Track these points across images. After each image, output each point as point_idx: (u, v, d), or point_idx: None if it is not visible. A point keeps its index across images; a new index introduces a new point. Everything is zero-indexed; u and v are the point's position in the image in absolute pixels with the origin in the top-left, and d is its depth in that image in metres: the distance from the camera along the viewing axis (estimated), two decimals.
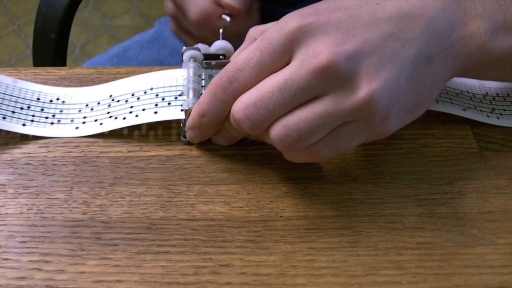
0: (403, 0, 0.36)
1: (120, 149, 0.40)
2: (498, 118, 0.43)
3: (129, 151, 0.40)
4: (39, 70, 0.45)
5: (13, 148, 0.40)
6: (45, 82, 0.44)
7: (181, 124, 0.41)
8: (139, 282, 0.33)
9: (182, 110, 0.40)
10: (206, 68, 0.42)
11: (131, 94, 0.41)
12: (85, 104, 0.42)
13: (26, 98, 0.41)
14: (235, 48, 0.42)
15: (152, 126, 0.41)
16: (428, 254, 0.35)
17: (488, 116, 0.43)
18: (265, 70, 0.35)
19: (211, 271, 0.34)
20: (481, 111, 0.43)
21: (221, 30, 0.51)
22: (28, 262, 0.34)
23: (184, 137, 0.40)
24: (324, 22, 0.34)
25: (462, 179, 0.39)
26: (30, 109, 0.41)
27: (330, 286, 0.34)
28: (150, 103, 0.41)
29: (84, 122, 0.41)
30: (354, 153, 0.40)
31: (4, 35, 1.68)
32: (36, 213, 0.36)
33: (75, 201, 0.37)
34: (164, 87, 0.42)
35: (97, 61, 0.77)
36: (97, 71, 0.45)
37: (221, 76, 0.36)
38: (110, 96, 0.42)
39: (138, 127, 0.41)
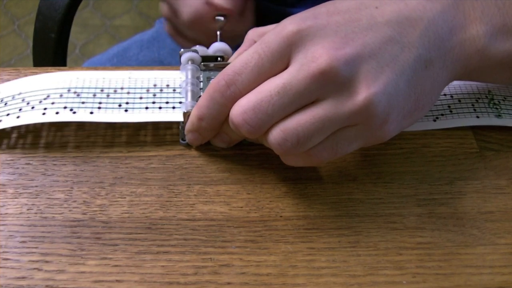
0: (402, 4, 0.35)
1: (120, 149, 0.40)
2: None
3: (129, 151, 0.40)
4: (39, 70, 0.45)
5: (13, 148, 0.40)
6: None
7: (180, 127, 0.41)
8: (139, 282, 0.33)
9: (43, 114, 0.39)
10: (204, 70, 0.42)
11: (0, 100, 0.41)
12: None
13: None
14: (233, 50, 0.42)
15: (152, 126, 0.41)
16: (428, 254, 0.35)
17: None
18: (263, 74, 0.35)
19: (211, 271, 0.34)
20: None
21: (218, 32, 0.51)
22: (28, 262, 0.34)
23: (183, 139, 0.40)
24: (323, 26, 0.34)
25: (462, 179, 0.39)
26: None
27: (330, 286, 0.34)
28: (15, 108, 0.40)
29: None
30: (354, 153, 0.40)
31: (4, 35, 1.68)
32: (36, 213, 0.36)
33: (75, 201, 0.37)
34: (32, 91, 0.41)
35: (97, 61, 0.77)
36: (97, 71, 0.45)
37: (219, 79, 0.36)
38: None
39: (138, 127, 0.41)
